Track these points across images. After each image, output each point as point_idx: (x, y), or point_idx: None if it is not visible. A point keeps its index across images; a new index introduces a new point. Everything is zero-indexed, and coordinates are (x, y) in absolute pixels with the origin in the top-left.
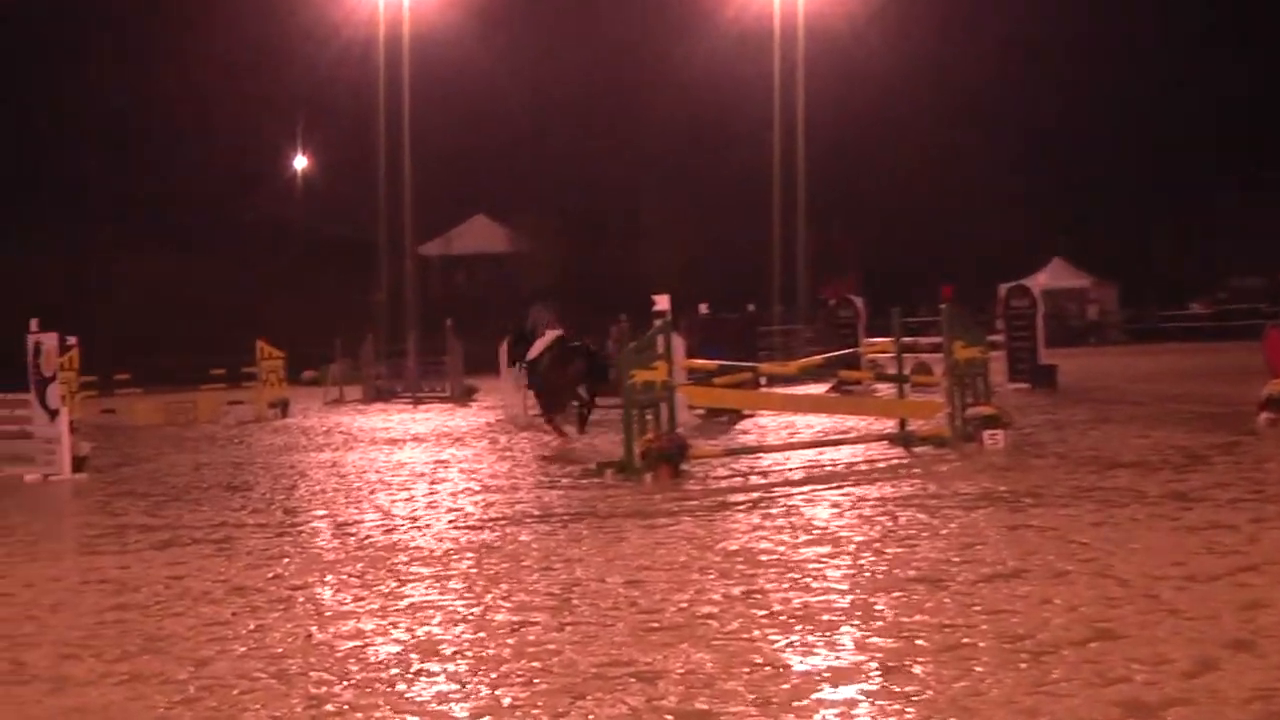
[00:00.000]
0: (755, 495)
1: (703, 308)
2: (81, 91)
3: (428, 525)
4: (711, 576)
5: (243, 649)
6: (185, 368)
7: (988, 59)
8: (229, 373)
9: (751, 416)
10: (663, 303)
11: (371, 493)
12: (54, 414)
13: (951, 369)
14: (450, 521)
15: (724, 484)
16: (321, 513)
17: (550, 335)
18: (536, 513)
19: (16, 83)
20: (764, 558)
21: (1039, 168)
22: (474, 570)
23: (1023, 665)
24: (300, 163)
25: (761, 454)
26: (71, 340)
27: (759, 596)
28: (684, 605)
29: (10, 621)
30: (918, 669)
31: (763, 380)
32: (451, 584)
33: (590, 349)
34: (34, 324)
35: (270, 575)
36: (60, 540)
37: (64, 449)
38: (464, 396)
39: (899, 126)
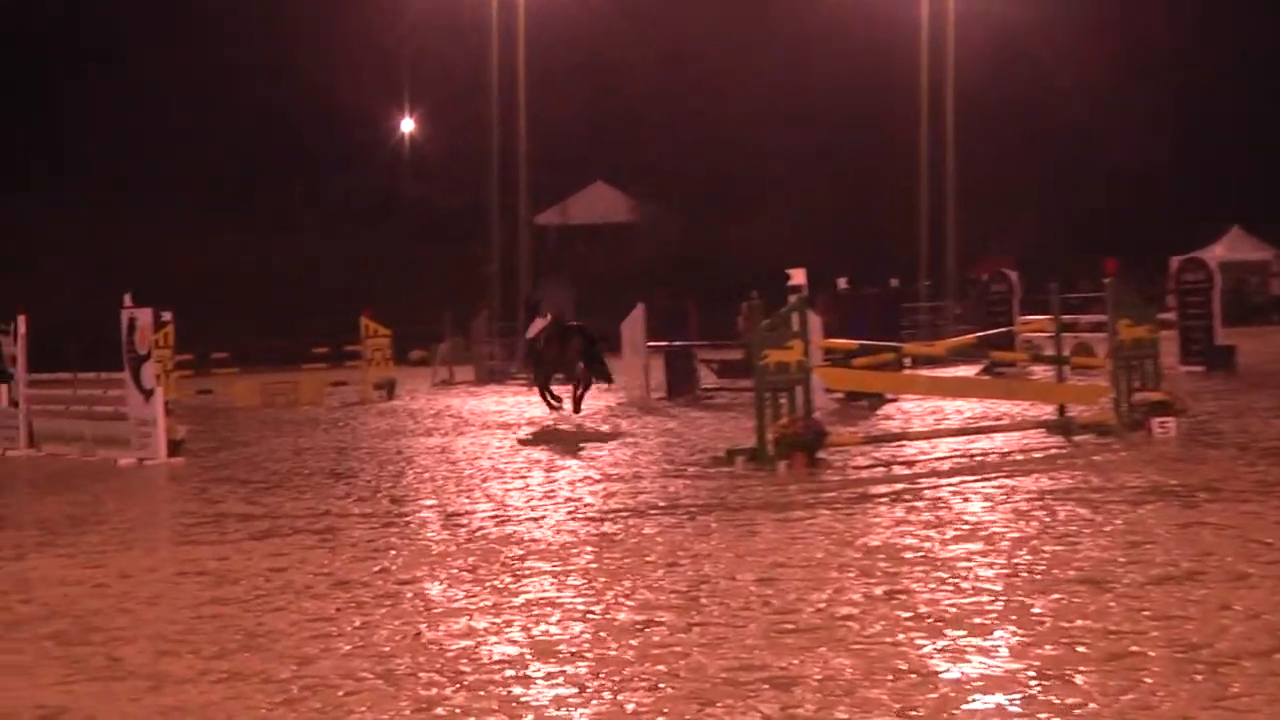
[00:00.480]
0: (899, 487)
1: (841, 282)
2: (174, 59)
3: (544, 516)
4: (851, 575)
5: (347, 647)
6: (285, 346)
7: (1153, 17)
8: (332, 352)
9: (894, 401)
10: (798, 276)
11: (484, 481)
12: (149, 394)
13: (1116, 350)
14: (569, 513)
15: (864, 474)
16: (430, 502)
17: (549, 318)
18: (661, 504)
19: (111, 52)
20: (908, 555)
21: (1215, 130)
22: (594, 565)
23: (1198, 677)
24: (407, 126)
25: (905, 442)
26: (166, 315)
27: (903, 597)
28: (821, 605)
29: (105, 614)
30: (1080, 679)
31: (907, 361)
32: (570, 580)
33: (586, 330)
34: (127, 298)
35: (376, 568)
36: (156, 529)
37: (159, 432)
38: (583, 378)
39: (1057, 88)
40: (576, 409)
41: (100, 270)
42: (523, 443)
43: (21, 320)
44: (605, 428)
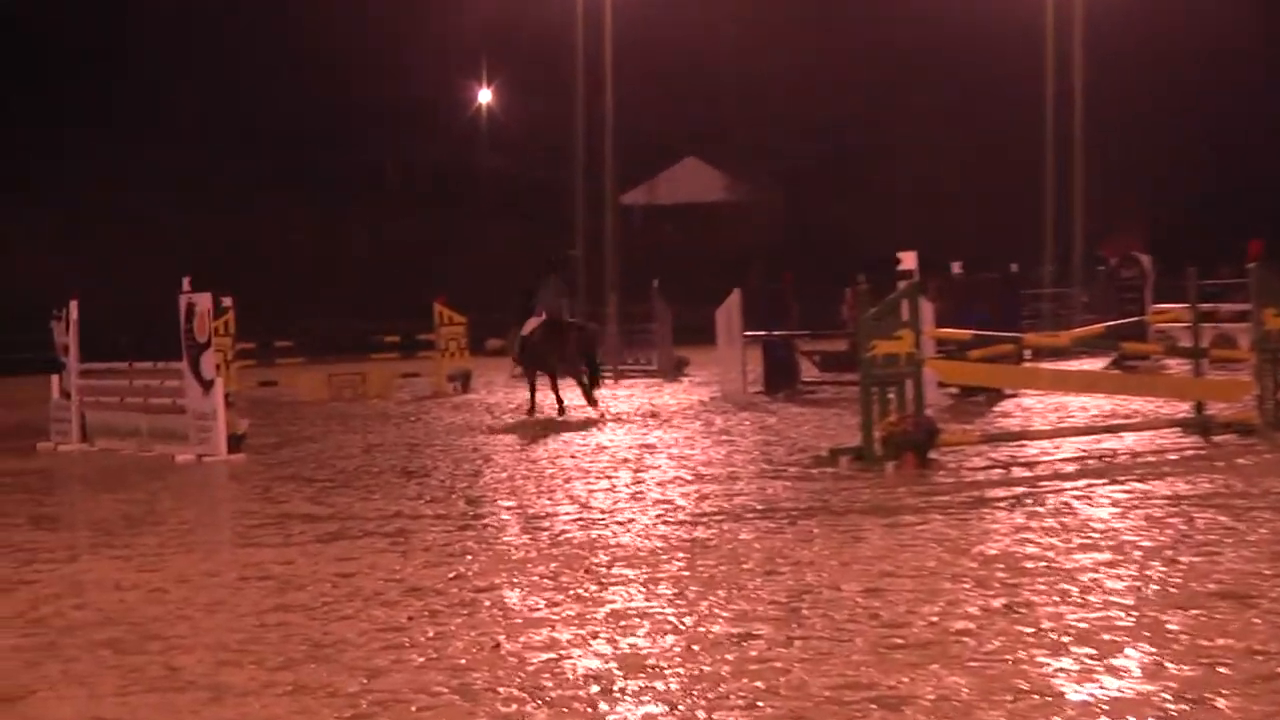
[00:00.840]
0: (1018, 490)
1: (956, 267)
2: (237, 26)
3: (632, 520)
4: (966, 586)
5: (421, 659)
6: (353, 334)
7: None
8: (403, 341)
9: (1014, 396)
10: (908, 260)
11: (566, 481)
12: (208, 385)
13: (1262, 342)
14: (658, 516)
15: (981, 476)
16: (509, 503)
17: (543, 314)
18: (759, 507)
19: (172, 17)
20: (1029, 565)
21: None
22: (686, 573)
23: None
24: (484, 97)
25: (1026, 441)
26: (227, 301)
27: (1024, 611)
28: (934, 619)
29: (163, 621)
30: (1221, 702)
31: (1027, 354)
32: (660, 589)
33: (581, 325)
34: (185, 282)
35: (451, 575)
36: (216, 530)
37: (219, 426)
38: (674, 370)
39: (1199, 54)
40: (592, 403)
41: (155, 251)
42: (607, 439)
43: (73, 306)
44: (698, 424)
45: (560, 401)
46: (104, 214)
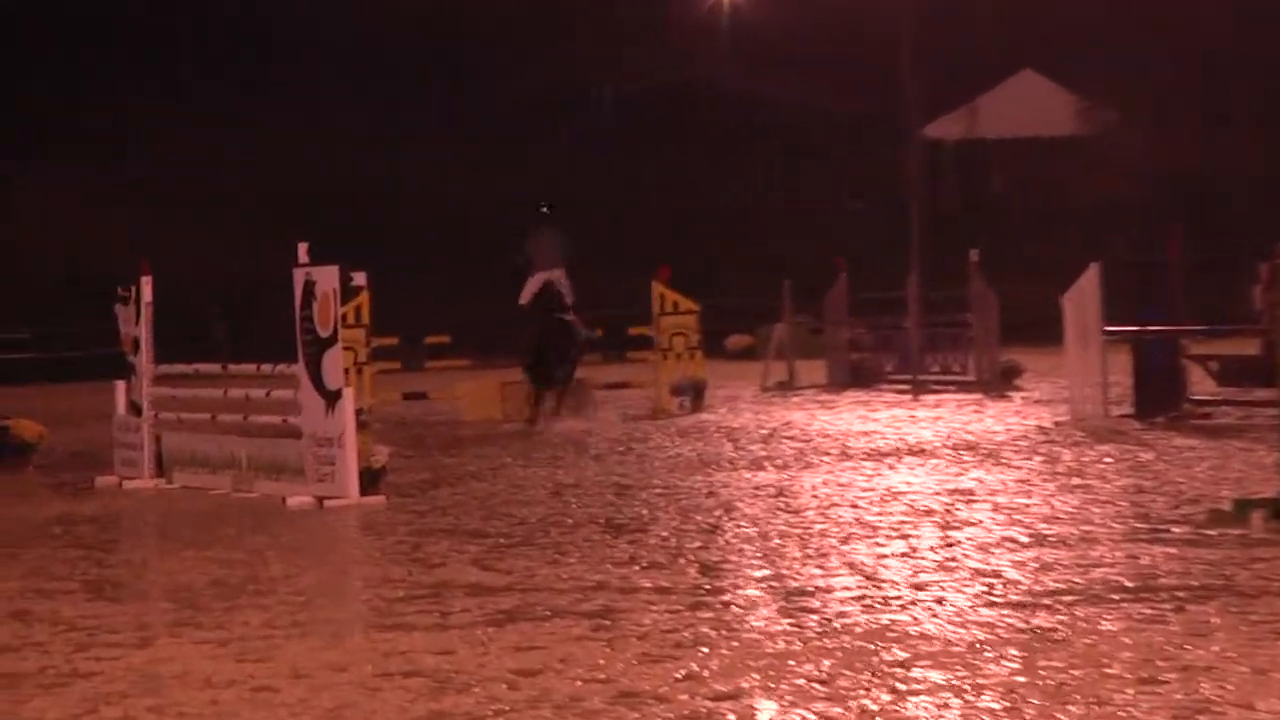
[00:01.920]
0: None
1: None
2: None
3: (940, 599)
4: None
5: None
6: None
7: None
8: (608, 337)
9: None
10: None
11: (844, 541)
12: (333, 398)
13: None
14: (978, 594)
15: None
16: (761, 572)
17: (541, 278)
18: (1128, 584)
19: None
20: None
21: None
22: (1020, 678)
23: None
24: None
25: None
26: (359, 278)
27: None
28: None
29: None
30: None
31: None
32: (983, 700)
33: (572, 330)
34: (301, 250)
35: (680, 674)
36: (343, 605)
37: (348, 455)
38: (999, 381)
39: None
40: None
41: (255, 203)
42: (903, 481)
43: (146, 284)
44: (1035, 461)
45: (535, 415)
46: (184, 151)
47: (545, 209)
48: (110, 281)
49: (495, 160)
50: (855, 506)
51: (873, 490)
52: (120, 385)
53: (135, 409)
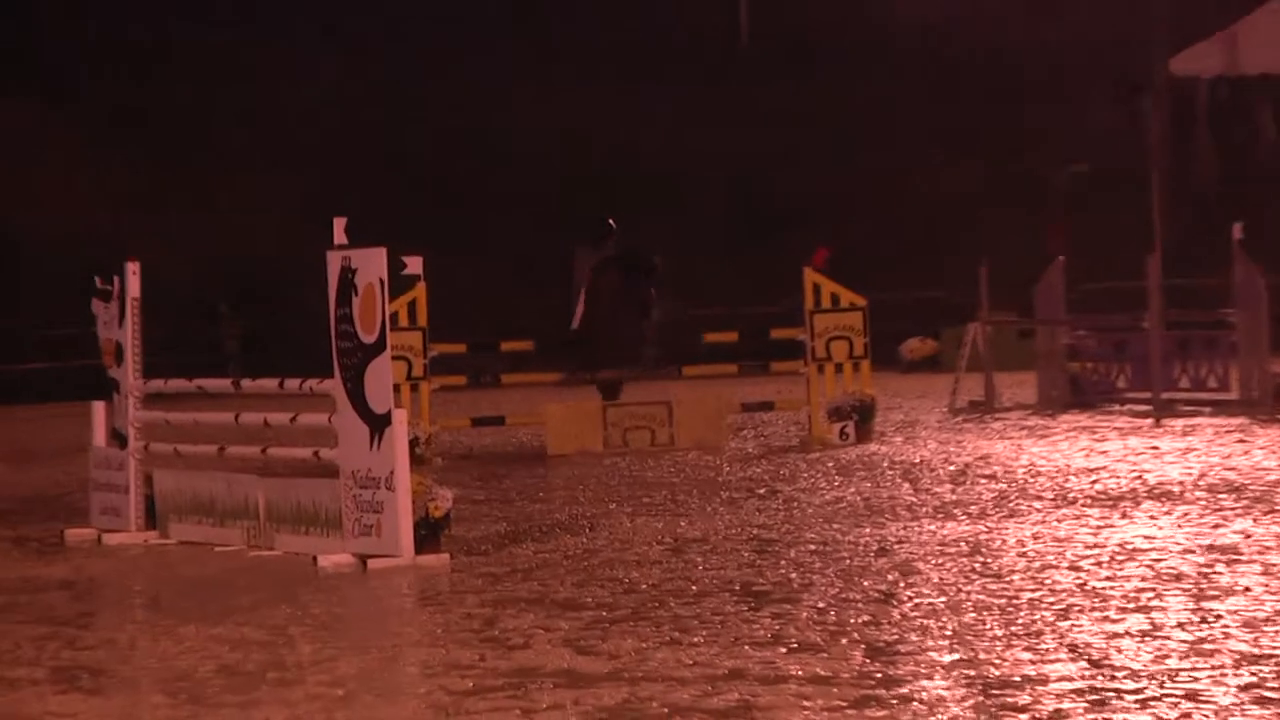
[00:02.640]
0: None
1: None
2: None
3: (1192, 694)
4: None
5: None
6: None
7: None
8: (741, 342)
9: None
10: None
11: (1062, 615)
12: (379, 424)
13: None
14: (1245, 688)
15: None
16: (950, 656)
17: (592, 261)
18: None
19: None
20: None
21: None
22: None
23: None
24: None
25: None
26: (413, 264)
27: None
28: None
29: None
30: None
31: None
32: None
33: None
34: (339, 227)
35: None
36: (395, 701)
37: (399, 500)
38: (1273, 400)
39: None
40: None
41: (278, 164)
42: (1140, 535)
43: (133, 273)
44: None
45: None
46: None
47: (610, 222)
48: (81, 267)
49: (598, 104)
50: (1077, 569)
51: (1101, 547)
52: (99, 408)
53: (119, 439)
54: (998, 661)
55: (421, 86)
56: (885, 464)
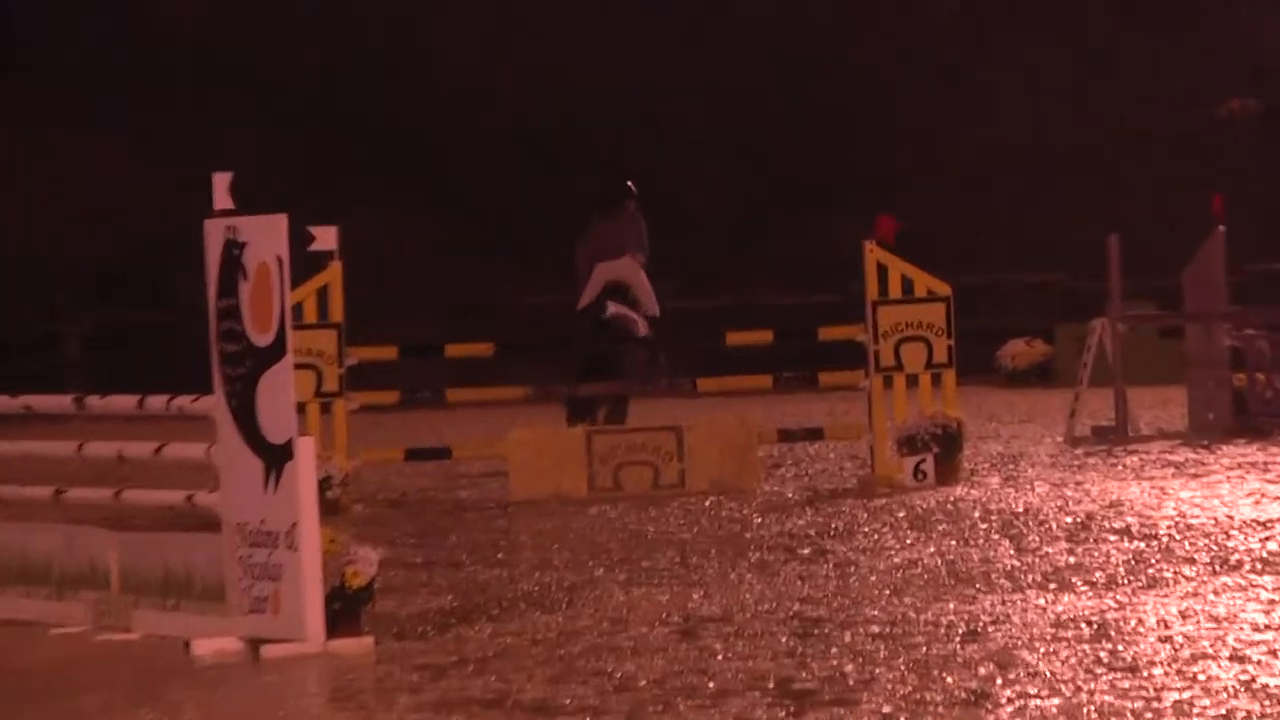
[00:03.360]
0: None
1: None
2: None
3: None
4: None
5: None
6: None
7: None
8: (777, 344)
9: None
10: None
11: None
12: (277, 458)
13: None
14: None
15: None
16: None
17: (605, 271)
18: None
19: None
20: None
21: None
22: None
23: None
24: None
25: None
26: (323, 237)
27: None
28: None
29: None
30: None
31: None
32: None
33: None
34: (219, 186)
35: None
36: None
37: (303, 563)
38: None
39: None
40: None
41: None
42: None
43: None
44: None
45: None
46: None
47: (629, 185)
48: None
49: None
50: (1241, 659)
51: (1275, 630)
52: None
53: None
54: None
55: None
56: (977, 514)
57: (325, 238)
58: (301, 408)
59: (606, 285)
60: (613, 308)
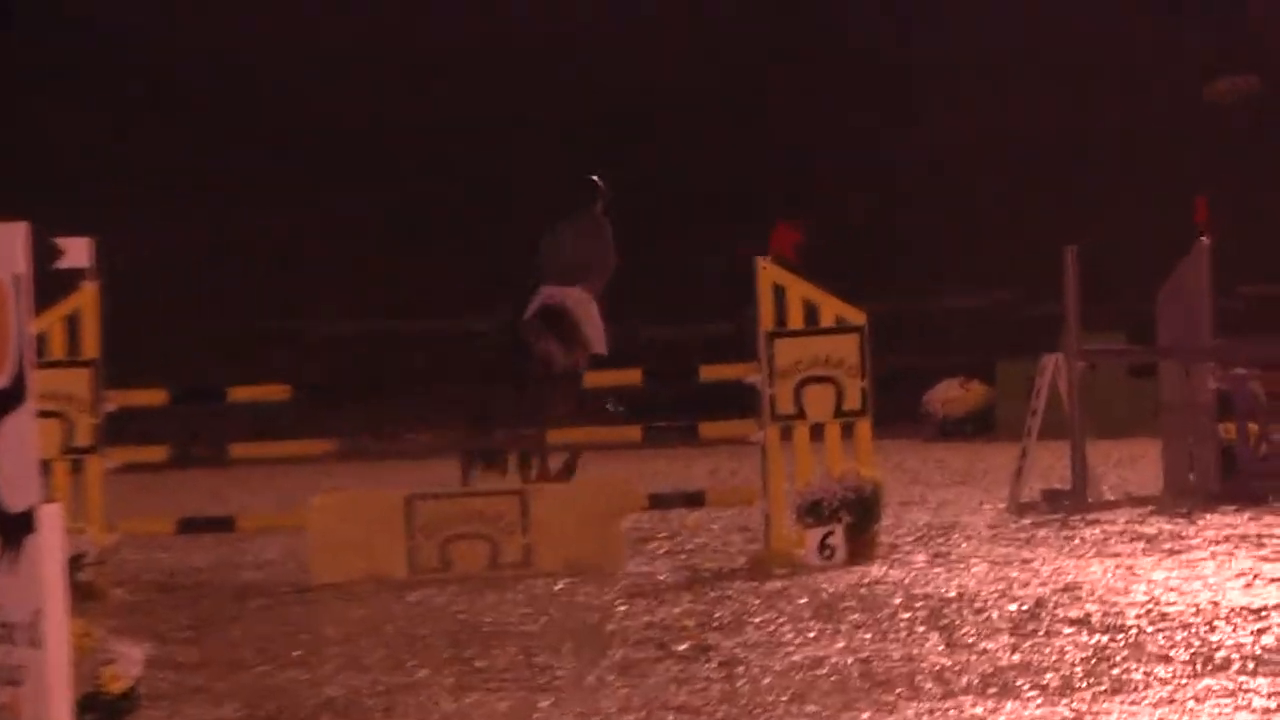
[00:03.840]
0: None
1: None
2: None
3: None
4: None
5: None
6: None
7: None
8: (648, 387)
9: None
10: None
11: None
12: (14, 529)
13: None
14: None
15: None
16: None
17: (545, 296)
18: None
19: None
20: None
21: None
22: None
23: None
24: None
25: None
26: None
27: None
28: None
29: None
30: None
31: None
32: None
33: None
34: None
35: None
36: None
37: (49, 662)
38: None
39: None
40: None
41: None
42: None
43: None
44: None
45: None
46: None
47: (595, 181)
48: None
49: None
50: None
51: None
52: None
53: None
54: None
55: None
56: (898, 600)
57: (77, 252)
58: (46, 466)
59: (542, 309)
60: (534, 334)
